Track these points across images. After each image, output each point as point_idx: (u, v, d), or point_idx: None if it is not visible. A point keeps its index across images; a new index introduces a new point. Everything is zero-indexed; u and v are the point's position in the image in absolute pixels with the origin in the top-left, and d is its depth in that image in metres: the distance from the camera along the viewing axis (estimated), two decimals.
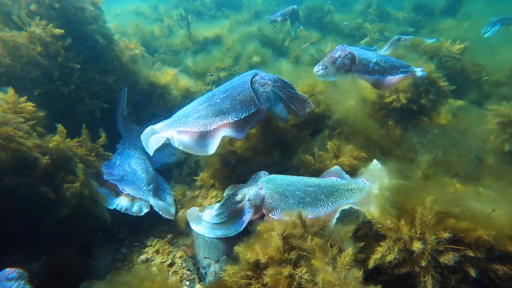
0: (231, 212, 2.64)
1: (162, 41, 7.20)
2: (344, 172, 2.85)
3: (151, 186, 3.48)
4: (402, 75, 3.17)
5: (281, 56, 6.92)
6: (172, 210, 3.44)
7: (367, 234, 2.03)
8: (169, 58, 6.45)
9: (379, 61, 3.18)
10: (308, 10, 9.12)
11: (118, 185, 3.37)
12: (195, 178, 3.60)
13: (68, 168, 2.78)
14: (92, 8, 3.90)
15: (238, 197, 2.64)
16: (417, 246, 1.69)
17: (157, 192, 3.56)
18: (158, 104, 4.56)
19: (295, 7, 7.43)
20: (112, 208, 3.17)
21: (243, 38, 7.27)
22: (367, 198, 2.31)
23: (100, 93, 3.98)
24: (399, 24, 9.31)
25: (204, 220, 2.78)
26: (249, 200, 2.56)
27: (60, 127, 2.90)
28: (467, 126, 3.31)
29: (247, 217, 2.55)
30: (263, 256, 1.87)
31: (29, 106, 2.90)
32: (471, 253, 1.61)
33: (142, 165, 3.69)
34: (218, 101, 2.93)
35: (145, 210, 3.26)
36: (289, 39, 7.53)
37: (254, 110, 2.86)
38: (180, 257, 2.97)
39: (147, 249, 3.09)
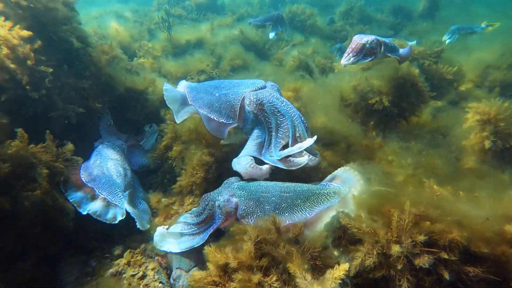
0: (202, 221, 2.56)
1: (142, 44, 7.04)
2: (351, 172, 2.64)
3: (127, 192, 3.31)
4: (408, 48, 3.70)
5: (264, 59, 6.89)
6: (146, 218, 3.28)
7: (340, 237, 1.99)
8: (149, 62, 6.29)
9: (390, 41, 3.57)
10: (291, 13, 9.17)
11: (95, 188, 3.21)
12: (172, 187, 3.47)
13: (30, 175, 2.59)
14: (64, 8, 3.73)
15: (209, 205, 2.56)
16: (395, 249, 1.67)
17: (133, 199, 3.40)
18: (136, 110, 4.40)
19: (280, 12, 7.38)
20: (84, 213, 2.99)
21: (225, 41, 7.21)
22: (344, 201, 2.30)
23: (75, 98, 3.81)
24: (380, 27, 9.49)
25: (171, 235, 2.68)
26: (219, 206, 2.47)
27: (20, 131, 2.69)
28: (446, 126, 3.36)
29: (216, 224, 2.48)
30: (234, 260, 1.79)
31: None
32: (445, 256, 1.60)
33: (119, 168, 3.52)
34: (216, 95, 3.05)
35: (120, 218, 3.09)
36: (270, 42, 7.51)
37: (230, 122, 2.93)
38: (152, 269, 2.80)
39: (117, 261, 2.92)
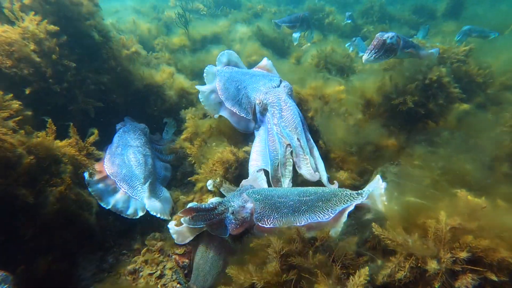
0: (210, 224, 2.49)
1: (159, 39, 7.04)
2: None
3: (147, 183, 3.25)
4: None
5: (282, 57, 6.78)
6: (168, 208, 3.20)
7: (375, 247, 1.88)
8: (166, 57, 6.28)
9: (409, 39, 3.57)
10: (310, 10, 9.01)
11: (116, 180, 3.18)
12: (189, 179, 3.42)
13: (55, 169, 2.57)
14: (89, 3, 3.74)
15: (219, 209, 2.48)
16: (432, 266, 1.55)
17: (154, 188, 3.33)
18: (156, 105, 4.38)
19: (306, 13, 7.18)
20: (108, 208, 2.97)
21: (242, 37, 7.13)
22: (371, 198, 2.24)
23: (94, 92, 3.83)
24: (402, 26, 9.23)
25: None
26: (233, 213, 2.40)
27: (50, 122, 2.69)
28: (477, 130, 3.20)
29: (229, 229, 2.43)
30: (259, 280, 1.69)
31: (15, 104, 2.73)
32: (493, 277, 1.46)
33: (138, 156, 3.46)
34: (239, 87, 3.27)
35: (141, 213, 3.06)
36: (289, 40, 7.38)
37: (244, 116, 3.20)
38: (170, 269, 2.73)
39: (135, 258, 2.87)
